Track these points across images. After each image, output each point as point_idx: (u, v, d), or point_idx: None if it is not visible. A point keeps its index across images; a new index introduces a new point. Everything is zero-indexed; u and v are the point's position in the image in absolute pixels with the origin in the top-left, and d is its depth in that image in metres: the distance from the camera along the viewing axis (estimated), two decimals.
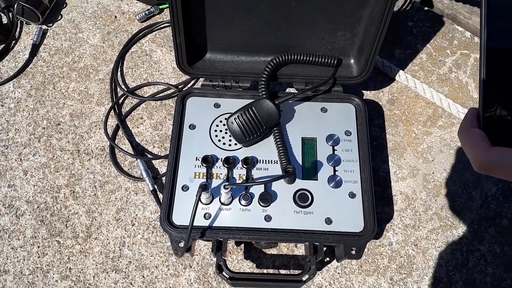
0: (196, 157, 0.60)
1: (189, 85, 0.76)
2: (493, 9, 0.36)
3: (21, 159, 0.70)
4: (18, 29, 0.82)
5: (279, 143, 0.60)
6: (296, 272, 0.61)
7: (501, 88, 0.36)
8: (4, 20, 0.82)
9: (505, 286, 0.63)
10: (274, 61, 0.63)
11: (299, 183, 0.59)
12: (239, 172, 0.60)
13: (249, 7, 0.59)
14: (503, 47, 0.36)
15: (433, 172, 0.70)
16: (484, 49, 0.35)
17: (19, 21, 0.82)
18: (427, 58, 0.79)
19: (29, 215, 0.65)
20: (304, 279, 0.55)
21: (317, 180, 0.60)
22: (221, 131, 0.63)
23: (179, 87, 0.75)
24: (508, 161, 0.33)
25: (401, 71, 0.75)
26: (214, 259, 0.55)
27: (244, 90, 0.66)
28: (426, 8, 0.85)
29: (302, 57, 0.63)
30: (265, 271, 0.63)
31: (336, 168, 0.60)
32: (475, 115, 0.36)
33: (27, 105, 0.75)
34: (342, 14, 0.59)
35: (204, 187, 0.54)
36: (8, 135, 0.72)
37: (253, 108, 0.59)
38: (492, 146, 0.34)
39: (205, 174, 0.59)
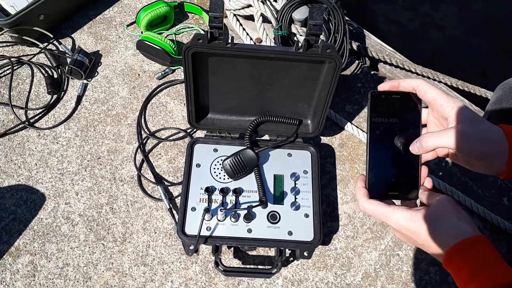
0: (201, 187, 0.87)
1: (194, 130, 1.03)
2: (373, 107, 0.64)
3: (73, 184, 0.97)
4: (66, 84, 1.09)
5: (257, 179, 0.87)
6: (268, 267, 0.88)
7: (377, 166, 0.64)
8: (55, 75, 1.09)
9: (414, 280, 0.91)
10: (255, 121, 0.90)
11: (271, 207, 0.86)
12: (230, 198, 0.87)
13: (239, 86, 0.86)
14: (380, 146, 0.64)
15: None
16: (368, 143, 0.64)
17: (67, 77, 1.09)
18: None
19: (81, 225, 0.92)
20: (273, 272, 0.82)
21: (283, 204, 0.86)
22: (218, 169, 0.90)
23: (188, 131, 1.03)
24: (371, 210, 0.62)
25: (348, 123, 1.03)
26: (213, 257, 0.83)
27: (234, 139, 0.93)
28: (372, 72, 1.13)
29: (274, 118, 0.90)
30: (247, 266, 0.89)
31: (296, 196, 0.88)
32: (363, 178, 0.65)
33: (75, 143, 1.01)
34: (300, 94, 0.86)
35: (207, 210, 0.81)
36: (63, 165, 0.99)
37: (240, 155, 0.87)
38: (370, 198, 0.63)
39: (207, 199, 0.86)
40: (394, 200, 0.67)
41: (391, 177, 0.65)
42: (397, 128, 0.64)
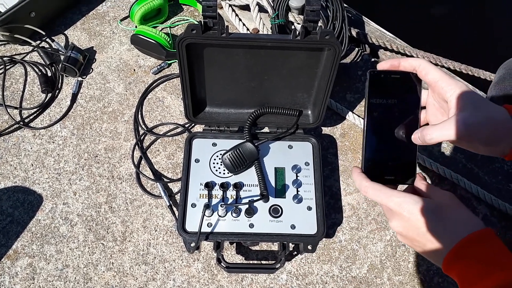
0: (200, 183, 0.85)
1: (192, 125, 1.01)
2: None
3: (70, 183, 0.95)
4: (60, 82, 1.07)
5: (258, 172, 0.85)
6: (272, 262, 0.86)
7: (374, 149, 0.62)
8: (49, 73, 1.07)
9: (421, 270, 0.89)
10: (254, 113, 0.88)
11: (273, 200, 0.84)
12: (231, 193, 0.85)
13: (236, 78, 0.84)
14: (378, 130, 0.62)
15: None
16: (364, 131, 0.62)
17: (61, 75, 1.07)
18: None
19: (80, 225, 0.90)
20: (276, 267, 0.80)
21: (285, 198, 0.84)
22: (217, 163, 0.88)
23: (186, 126, 1.01)
24: (373, 189, 0.59)
25: (350, 112, 1.00)
26: (215, 254, 0.81)
27: (233, 133, 0.91)
28: (373, 59, 1.10)
29: (274, 110, 0.88)
30: (250, 261, 0.88)
31: (299, 189, 0.85)
32: (357, 168, 0.63)
33: (71, 142, 0.99)
34: (299, 84, 0.84)
35: (207, 206, 0.79)
36: (59, 165, 0.97)
37: (239, 148, 0.85)
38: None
39: (207, 195, 0.84)
40: (389, 185, 0.65)
41: (388, 161, 0.63)
42: (395, 109, 0.62)
